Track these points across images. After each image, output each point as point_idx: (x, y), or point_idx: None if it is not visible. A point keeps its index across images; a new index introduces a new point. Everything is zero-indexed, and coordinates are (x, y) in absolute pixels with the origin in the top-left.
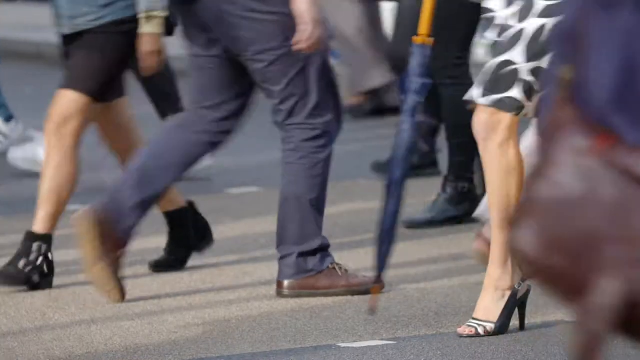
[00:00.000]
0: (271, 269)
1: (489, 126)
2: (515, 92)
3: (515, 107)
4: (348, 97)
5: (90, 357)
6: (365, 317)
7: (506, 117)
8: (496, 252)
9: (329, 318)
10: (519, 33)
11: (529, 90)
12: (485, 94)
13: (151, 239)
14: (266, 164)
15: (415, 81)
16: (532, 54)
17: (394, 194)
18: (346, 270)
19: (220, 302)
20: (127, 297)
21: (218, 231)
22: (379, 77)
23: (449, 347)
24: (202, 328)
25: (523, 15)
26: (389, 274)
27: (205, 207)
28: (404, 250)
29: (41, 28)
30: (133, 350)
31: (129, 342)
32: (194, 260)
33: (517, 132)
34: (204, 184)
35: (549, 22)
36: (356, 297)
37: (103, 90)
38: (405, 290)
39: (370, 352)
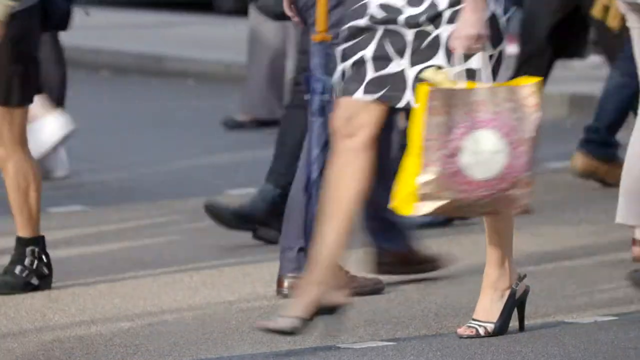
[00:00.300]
0: (271, 270)
1: None
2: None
3: None
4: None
5: (90, 358)
6: (365, 318)
7: None
8: (492, 252)
9: (328, 319)
10: (436, 39)
11: None
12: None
13: (150, 239)
14: (266, 164)
15: (319, 80)
16: (453, 59)
17: (313, 195)
18: (347, 272)
19: (220, 303)
20: (127, 298)
21: (218, 232)
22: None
23: (449, 348)
24: (202, 329)
25: (435, 22)
26: (388, 276)
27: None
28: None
29: None
30: (133, 351)
31: (129, 342)
32: (193, 261)
33: None
34: (203, 184)
35: None
36: (356, 298)
37: (17, 90)
38: (405, 291)
39: (370, 353)
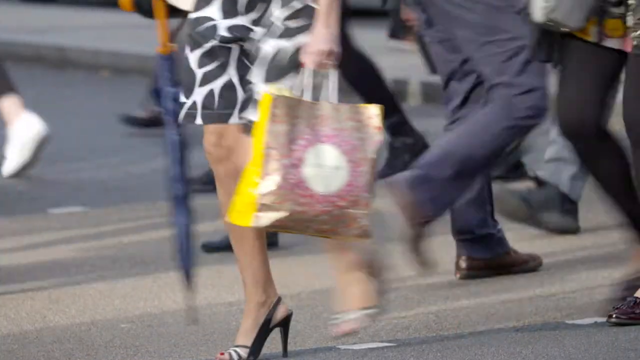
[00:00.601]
0: (271, 270)
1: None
2: (250, 113)
3: (249, 127)
4: None
5: (90, 359)
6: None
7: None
8: (336, 261)
9: (328, 320)
10: (257, 52)
11: None
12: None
13: (150, 239)
14: None
15: (169, 92)
16: (270, 76)
17: (181, 210)
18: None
19: (220, 304)
20: (127, 299)
21: (218, 233)
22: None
23: (449, 349)
24: (202, 330)
25: (266, 35)
26: (389, 277)
27: (205, 208)
28: (404, 253)
29: (41, 31)
30: (133, 352)
31: (129, 344)
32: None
33: None
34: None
35: (288, 44)
36: None
37: None
38: (405, 292)
39: (370, 354)
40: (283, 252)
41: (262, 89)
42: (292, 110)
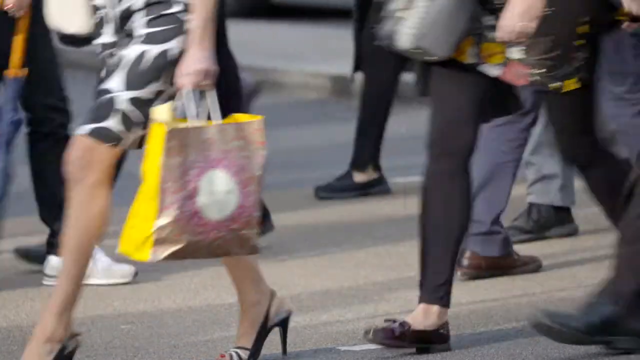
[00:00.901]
0: (270, 271)
1: (84, 164)
2: (111, 122)
3: (110, 137)
4: None
5: None
6: (366, 321)
7: (103, 156)
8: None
9: (328, 321)
10: (120, 60)
11: (127, 121)
12: (84, 123)
13: None
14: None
15: (9, 115)
16: (131, 83)
17: None
18: None
19: (220, 305)
20: (127, 300)
21: None
22: None
23: (449, 350)
24: (202, 331)
25: (129, 42)
26: (388, 277)
27: None
28: (403, 253)
29: None
30: (133, 353)
31: (129, 345)
32: (194, 263)
33: (111, 176)
34: None
35: (150, 49)
36: (356, 300)
37: None
38: (405, 293)
39: (369, 355)
40: (282, 254)
41: (124, 96)
42: (184, 140)
